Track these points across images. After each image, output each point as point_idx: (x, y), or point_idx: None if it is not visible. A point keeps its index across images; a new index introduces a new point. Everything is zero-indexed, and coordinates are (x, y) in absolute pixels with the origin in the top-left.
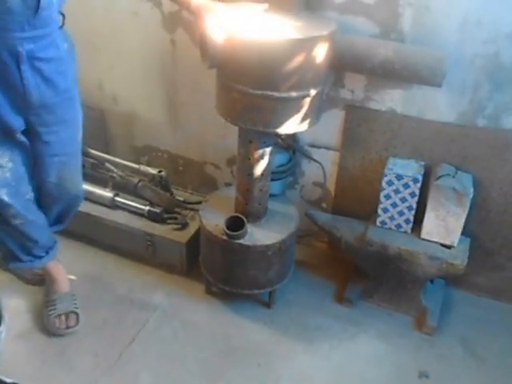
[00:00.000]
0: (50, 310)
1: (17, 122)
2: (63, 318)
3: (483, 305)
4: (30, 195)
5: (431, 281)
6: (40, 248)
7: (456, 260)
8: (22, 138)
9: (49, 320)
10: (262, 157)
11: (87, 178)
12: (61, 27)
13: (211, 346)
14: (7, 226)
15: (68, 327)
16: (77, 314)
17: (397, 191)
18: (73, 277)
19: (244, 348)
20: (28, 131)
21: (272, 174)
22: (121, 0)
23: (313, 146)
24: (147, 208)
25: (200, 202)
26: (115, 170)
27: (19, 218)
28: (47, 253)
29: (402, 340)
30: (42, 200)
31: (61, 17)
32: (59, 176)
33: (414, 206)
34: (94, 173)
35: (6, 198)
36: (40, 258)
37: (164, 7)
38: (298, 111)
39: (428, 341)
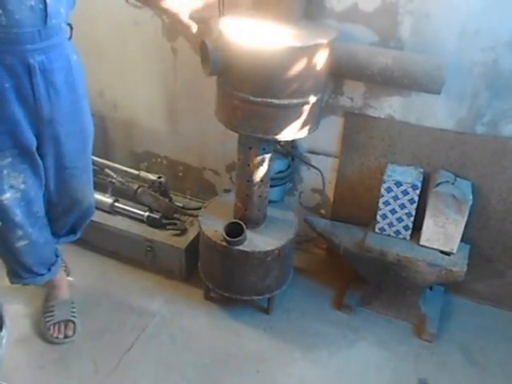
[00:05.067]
0: (48, 317)
1: (31, 139)
2: (61, 326)
3: (483, 312)
4: (41, 213)
5: (430, 288)
6: (40, 266)
7: (455, 267)
8: (37, 159)
9: (46, 327)
10: (261, 163)
11: None
12: (69, 38)
13: (210, 352)
14: (10, 247)
15: (66, 336)
16: (74, 322)
17: (396, 198)
18: (71, 278)
19: (243, 354)
20: (37, 143)
21: (271, 180)
22: (121, 9)
23: (312, 152)
24: (146, 214)
25: (199, 208)
26: (115, 176)
27: (25, 239)
28: (49, 270)
29: (401, 347)
30: (53, 212)
31: (69, 28)
32: (69, 189)
33: (413, 212)
34: (94, 178)
35: (16, 219)
36: (42, 275)
37: (164, 16)
38: (297, 118)
39: (428, 348)
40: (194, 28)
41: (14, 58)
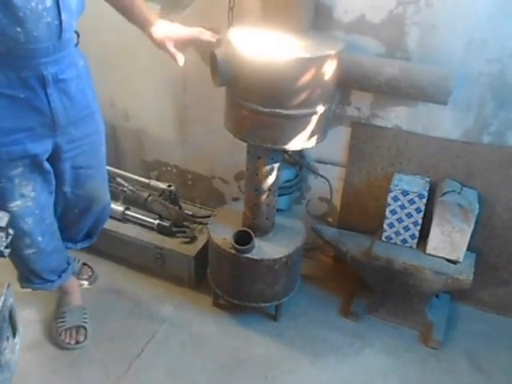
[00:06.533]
0: (59, 323)
1: (44, 147)
2: (73, 332)
3: (489, 320)
4: (50, 219)
5: (437, 295)
6: (50, 273)
7: (461, 275)
8: (47, 167)
9: (57, 332)
10: (269, 172)
11: None
12: (76, 45)
13: (218, 358)
14: (19, 254)
15: (77, 342)
16: (85, 328)
17: (402, 207)
18: (85, 283)
19: (251, 361)
20: (53, 150)
21: (279, 189)
22: None
23: (319, 161)
24: (157, 222)
25: (208, 216)
26: (126, 185)
27: (32, 248)
28: (59, 276)
29: (407, 354)
30: (70, 215)
31: (75, 35)
32: (85, 188)
33: (420, 221)
34: None
35: (25, 227)
36: (52, 281)
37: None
38: (305, 128)
39: (434, 355)
40: (181, 60)
41: (29, 70)
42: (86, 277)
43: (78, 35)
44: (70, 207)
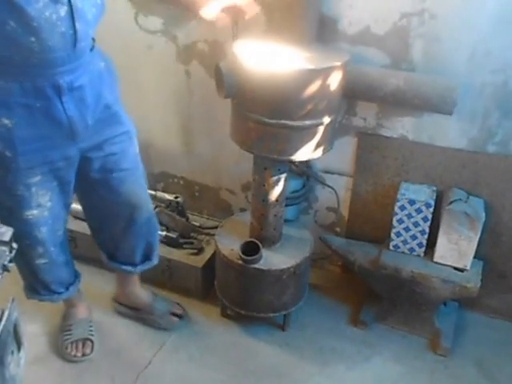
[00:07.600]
0: (65, 336)
1: (63, 154)
2: (79, 344)
3: (497, 327)
4: (62, 231)
5: (444, 303)
6: (59, 284)
7: (469, 283)
8: (67, 177)
9: (63, 345)
10: (276, 183)
11: None
12: (91, 50)
13: (227, 369)
14: (30, 263)
15: (83, 355)
16: (92, 341)
17: (409, 216)
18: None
19: (260, 371)
20: (80, 156)
21: (286, 199)
22: (136, 35)
23: (326, 172)
24: (164, 233)
25: (215, 227)
26: None
27: (45, 258)
28: (67, 289)
29: (416, 362)
30: (116, 230)
31: (91, 41)
32: (120, 193)
33: (427, 230)
34: None
35: (39, 236)
36: (59, 293)
37: (178, 41)
38: (311, 139)
39: (442, 363)
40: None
41: (44, 80)
42: (176, 319)
43: (94, 40)
44: (113, 219)
